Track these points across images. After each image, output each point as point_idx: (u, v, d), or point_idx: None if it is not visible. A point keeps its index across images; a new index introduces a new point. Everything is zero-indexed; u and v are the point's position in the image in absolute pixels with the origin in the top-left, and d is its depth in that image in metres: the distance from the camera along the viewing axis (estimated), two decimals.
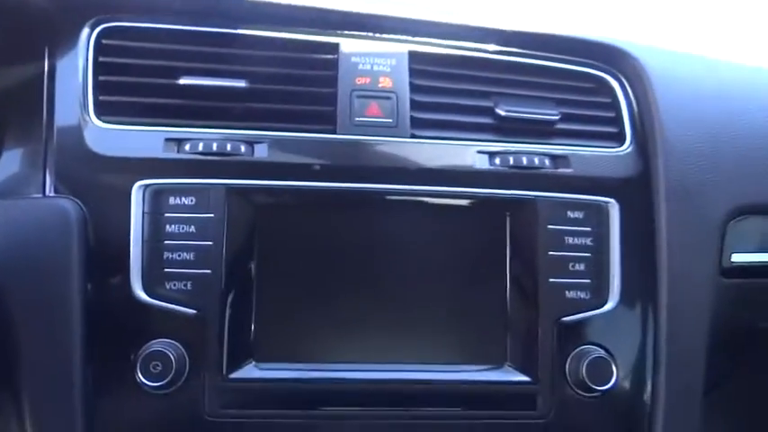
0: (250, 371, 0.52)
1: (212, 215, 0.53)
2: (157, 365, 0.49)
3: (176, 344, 0.51)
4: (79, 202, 0.52)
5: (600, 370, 0.53)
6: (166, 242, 0.52)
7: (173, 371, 0.49)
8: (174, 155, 0.54)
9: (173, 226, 0.53)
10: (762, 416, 0.80)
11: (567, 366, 0.54)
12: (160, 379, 0.49)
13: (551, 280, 0.55)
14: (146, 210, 0.52)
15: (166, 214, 0.53)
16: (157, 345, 0.50)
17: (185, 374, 0.51)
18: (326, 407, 0.52)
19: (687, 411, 0.56)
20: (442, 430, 0.54)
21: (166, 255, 0.52)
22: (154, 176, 0.53)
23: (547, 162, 0.58)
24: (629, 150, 0.60)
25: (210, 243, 0.52)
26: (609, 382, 0.53)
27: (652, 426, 0.55)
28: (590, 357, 0.53)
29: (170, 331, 0.51)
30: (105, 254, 0.52)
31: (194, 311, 0.51)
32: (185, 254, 0.52)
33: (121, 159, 0.54)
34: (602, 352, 0.54)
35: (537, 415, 0.53)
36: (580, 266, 0.56)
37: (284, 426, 0.52)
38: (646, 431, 0.55)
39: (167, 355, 0.49)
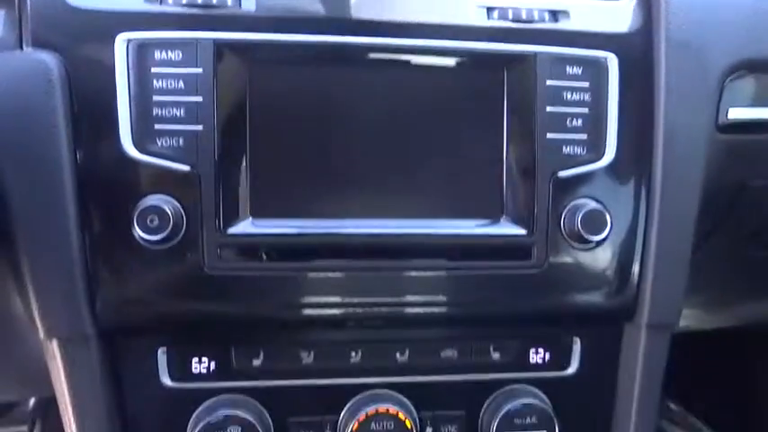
0: (247, 226, 0.52)
1: (200, 70, 0.51)
2: (154, 219, 0.49)
3: (172, 200, 0.50)
4: (60, 57, 0.50)
5: (594, 221, 0.54)
6: (155, 98, 0.51)
7: (170, 225, 0.49)
8: (156, 7, 0.52)
9: (160, 81, 0.51)
10: (739, 279, 0.83)
11: (562, 219, 0.55)
12: (158, 233, 0.49)
13: (549, 135, 0.55)
14: (131, 65, 0.50)
15: (153, 69, 0.51)
16: (153, 200, 0.50)
17: (183, 230, 0.50)
18: (323, 260, 0.53)
19: (676, 264, 0.58)
20: (438, 282, 0.55)
21: (155, 111, 0.51)
22: (137, 29, 0.51)
23: (547, 16, 0.56)
24: (630, 3, 0.58)
25: (200, 98, 0.51)
26: (603, 233, 0.54)
27: (643, 277, 0.57)
28: (585, 209, 0.54)
29: (164, 187, 0.51)
30: (92, 111, 0.51)
31: (188, 168, 0.51)
32: (175, 110, 0.51)
33: (102, 12, 0.51)
34: (597, 204, 0.55)
35: (532, 265, 0.55)
36: (578, 122, 0.55)
37: (280, 279, 0.53)
38: (636, 283, 0.57)
39: (163, 209, 0.49)
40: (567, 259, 0.55)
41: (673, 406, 1.67)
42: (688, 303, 0.90)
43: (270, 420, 0.55)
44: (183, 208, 0.50)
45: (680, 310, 0.59)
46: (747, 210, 0.67)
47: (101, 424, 0.54)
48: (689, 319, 1.02)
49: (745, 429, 1.53)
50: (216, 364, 0.55)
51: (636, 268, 0.57)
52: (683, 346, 1.51)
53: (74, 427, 0.55)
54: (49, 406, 1.26)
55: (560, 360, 0.59)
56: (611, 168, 0.56)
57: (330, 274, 0.53)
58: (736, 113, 0.60)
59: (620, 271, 0.56)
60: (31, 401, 1.25)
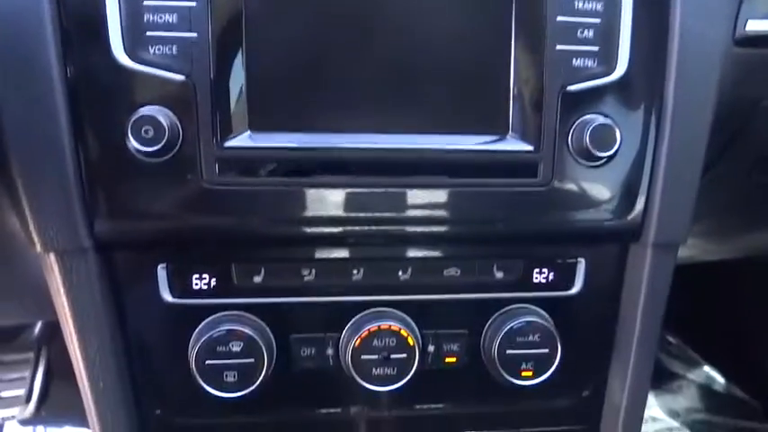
0: (245, 140, 0.50)
1: None
2: (149, 130, 0.48)
3: (167, 111, 0.48)
4: None
5: (603, 136, 0.52)
6: (145, 2, 0.48)
7: (165, 137, 0.48)
8: None
9: None
10: (741, 208, 0.82)
11: (570, 135, 0.53)
12: (153, 144, 0.48)
13: (558, 47, 0.52)
14: None
15: None
16: (147, 111, 0.48)
17: (179, 143, 0.49)
18: (323, 175, 0.52)
19: (686, 183, 0.56)
20: (441, 200, 0.53)
21: (146, 17, 0.48)
22: None
23: None
24: None
25: (193, 3, 0.48)
26: (612, 149, 0.53)
27: (651, 196, 0.56)
28: (594, 124, 0.52)
29: (159, 98, 0.49)
30: (81, 18, 0.49)
31: (182, 77, 0.49)
32: (167, 15, 0.48)
33: None
34: (606, 120, 0.53)
35: (538, 182, 0.53)
36: (589, 33, 0.53)
37: (279, 194, 0.51)
38: (644, 202, 0.56)
39: (158, 119, 0.47)
40: (574, 177, 0.54)
41: (671, 339, 1.69)
42: (691, 232, 0.90)
43: (272, 337, 0.55)
44: (178, 120, 0.49)
45: (687, 230, 0.58)
46: (757, 132, 0.65)
47: (103, 339, 0.54)
48: (690, 249, 1.01)
49: (741, 363, 1.55)
50: (217, 281, 0.54)
51: (644, 187, 0.55)
52: (683, 279, 1.52)
53: (76, 344, 0.55)
54: (54, 332, 1.28)
55: (564, 280, 0.58)
56: (623, 83, 0.54)
57: (330, 190, 0.52)
58: (755, 26, 0.57)
59: (628, 189, 0.55)
60: (37, 328, 1.27)
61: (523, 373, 0.56)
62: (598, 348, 0.60)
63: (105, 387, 0.55)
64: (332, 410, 0.58)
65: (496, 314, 0.58)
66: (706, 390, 1.60)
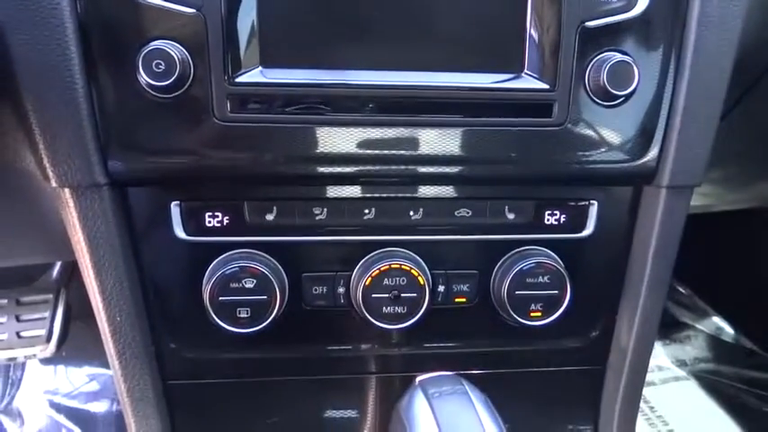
0: (256, 75, 0.50)
1: None
2: (160, 64, 0.47)
3: (178, 45, 0.48)
4: None
5: (621, 74, 0.51)
6: None
7: (176, 71, 0.47)
8: None
9: None
10: (761, 153, 0.81)
11: (587, 73, 0.52)
12: (164, 78, 0.47)
13: None
14: None
15: None
16: (158, 44, 0.48)
17: (190, 77, 0.49)
18: (334, 112, 0.51)
19: (704, 124, 0.55)
20: (453, 139, 0.53)
21: None
22: None
23: None
24: None
25: None
26: (629, 87, 0.51)
27: (668, 137, 0.55)
28: (612, 61, 0.51)
29: (169, 32, 0.48)
30: None
31: (192, 10, 0.48)
32: None
33: None
34: (625, 57, 0.52)
35: (552, 122, 0.52)
36: None
37: (290, 131, 0.51)
38: (660, 143, 0.55)
39: (169, 53, 0.47)
40: (590, 117, 0.53)
41: (682, 289, 1.69)
42: (708, 180, 0.88)
43: (284, 274, 0.55)
44: (189, 54, 0.48)
45: (703, 173, 0.57)
46: None
47: (118, 275, 0.55)
48: (707, 197, 1.00)
49: (751, 314, 1.56)
50: (229, 219, 0.55)
51: (661, 128, 0.54)
52: (695, 229, 1.51)
53: (93, 279, 0.56)
54: (72, 274, 1.30)
55: (576, 222, 0.58)
56: (643, 19, 0.52)
57: (342, 128, 0.51)
58: None
59: (645, 130, 0.54)
60: (55, 270, 1.29)
61: (532, 314, 0.57)
62: (607, 291, 0.61)
63: (122, 322, 0.56)
64: (342, 348, 0.59)
65: (507, 255, 0.58)
66: (714, 340, 1.61)
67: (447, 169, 0.54)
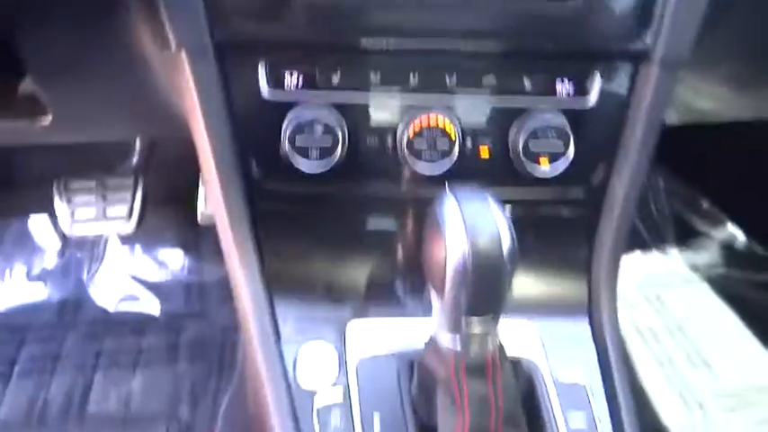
0: None
1: None
2: None
3: None
4: None
5: None
6: None
7: None
8: None
9: None
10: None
11: None
12: None
13: None
14: None
15: None
16: None
17: None
18: None
19: (693, 5, 0.65)
20: (482, 17, 0.64)
21: None
22: None
23: None
24: None
25: None
26: None
27: (663, 16, 0.65)
28: None
29: None
30: None
31: None
32: None
33: None
34: None
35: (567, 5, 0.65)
36: None
37: (352, 7, 0.63)
38: (656, 22, 0.66)
39: None
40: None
41: (700, 200, 1.78)
42: (715, 78, 0.97)
43: (345, 126, 0.70)
44: None
45: (690, 48, 0.68)
46: None
47: (220, 123, 0.69)
48: (720, 100, 1.08)
49: (763, 221, 1.65)
50: (303, 78, 0.69)
51: (658, 8, 0.65)
52: (714, 141, 1.61)
53: (203, 129, 0.69)
54: (149, 162, 1.47)
55: (582, 90, 0.70)
56: None
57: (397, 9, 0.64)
58: None
59: (644, 10, 0.65)
60: (134, 159, 1.47)
61: (541, 164, 0.71)
62: (604, 149, 0.72)
63: (225, 161, 0.70)
64: (388, 185, 0.74)
65: (522, 116, 0.71)
66: (728, 246, 1.72)
67: (477, 43, 0.67)
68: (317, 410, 0.67)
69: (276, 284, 0.73)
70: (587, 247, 0.76)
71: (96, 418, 1.30)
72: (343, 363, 0.70)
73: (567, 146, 0.70)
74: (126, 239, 1.57)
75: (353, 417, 0.66)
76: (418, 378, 0.66)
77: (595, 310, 0.74)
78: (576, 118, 0.70)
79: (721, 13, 0.68)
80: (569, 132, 0.69)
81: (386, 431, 0.66)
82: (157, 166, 1.45)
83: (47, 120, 0.87)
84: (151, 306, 1.53)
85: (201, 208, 1.38)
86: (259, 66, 0.68)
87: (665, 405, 1.42)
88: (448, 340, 0.60)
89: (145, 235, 1.56)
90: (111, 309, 1.53)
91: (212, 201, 0.76)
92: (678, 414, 1.40)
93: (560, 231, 0.75)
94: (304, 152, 0.68)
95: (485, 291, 0.57)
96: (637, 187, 0.73)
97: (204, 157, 0.72)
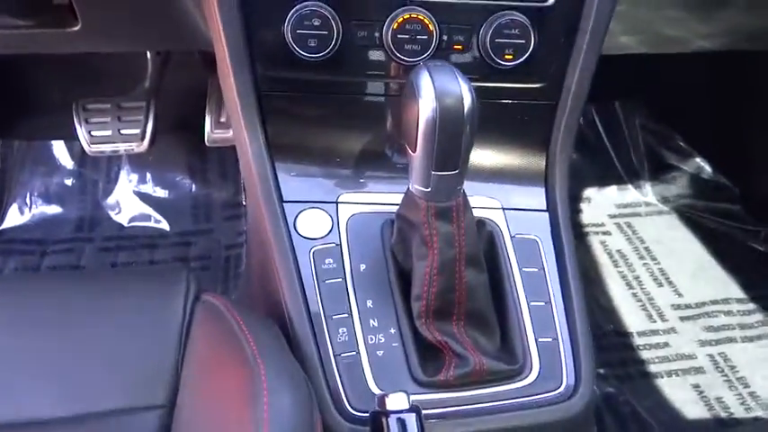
0: None
1: None
2: None
3: None
4: None
5: None
6: None
7: None
8: None
9: None
10: None
11: None
12: None
13: None
14: None
15: None
16: None
17: None
18: None
19: None
20: None
21: None
22: None
23: None
24: None
25: None
26: None
27: None
28: None
29: None
30: None
31: None
32: None
33: None
34: None
35: None
36: None
37: None
38: None
39: None
40: None
41: (678, 140, 1.91)
42: (675, 3, 1.09)
43: (339, 21, 0.81)
44: None
45: None
46: None
47: (233, 18, 0.80)
48: (681, 28, 1.19)
49: (727, 152, 1.78)
50: None
51: None
52: (684, 76, 1.73)
53: (224, 45, 0.80)
54: (159, 88, 1.59)
55: None
56: None
57: None
58: None
59: None
60: (147, 82, 1.58)
61: (506, 56, 0.83)
62: (560, 45, 0.84)
63: (237, 54, 0.81)
64: (374, 73, 0.86)
65: (491, 15, 0.83)
66: (695, 178, 1.85)
67: None
68: (313, 252, 0.81)
69: (278, 154, 0.86)
70: (545, 129, 0.89)
71: None
72: (335, 222, 0.84)
73: (528, 42, 0.82)
74: (138, 163, 1.69)
75: (344, 259, 0.80)
76: (396, 227, 0.80)
77: (551, 179, 0.88)
78: (537, 17, 0.83)
79: None
80: (530, 29, 0.82)
81: (370, 271, 0.80)
82: (166, 95, 1.57)
83: (76, 27, 0.98)
84: (162, 223, 1.66)
85: (208, 130, 1.50)
86: None
87: (628, 315, 1.57)
88: (421, 191, 0.74)
89: (155, 158, 1.69)
90: (124, 225, 1.66)
91: (225, 89, 0.89)
92: (640, 322, 1.55)
93: (523, 115, 0.88)
94: (304, 41, 0.81)
95: (449, 144, 0.70)
96: (588, 77, 0.86)
97: (219, 50, 0.84)
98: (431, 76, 0.69)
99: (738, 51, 1.32)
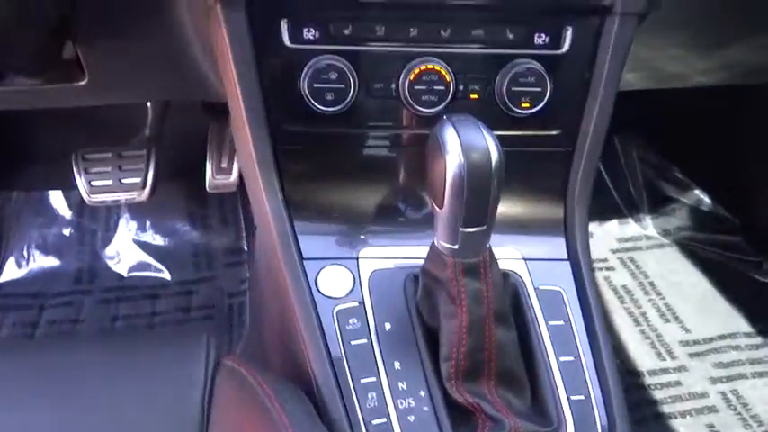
0: None
1: None
2: None
3: None
4: None
5: None
6: None
7: None
8: None
9: None
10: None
11: None
12: None
13: None
14: None
15: None
16: None
17: None
18: None
19: None
20: None
21: None
22: None
23: None
24: None
25: None
26: None
27: None
28: None
29: None
30: None
31: None
32: None
33: None
34: None
35: None
36: None
37: None
38: None
39: None
40: None
41: (676, 172, 1.92)
42: (675, 42, 1.10)
43: (356, 73, 0.81)
44: None
45: (644, 2, 0.82)
46: None
47: (249, 69, 0.80)
48: (681, 63, 1.21)
49: (726, 185, 1.79)
50: (320, 33, 0.79)
51: None
52: (684, 109, 1.74)
53: (235, 76, 0.79)
54: (160, 136, 1.58)
55: (556, 42, 0.82)
56: None
57: None
58: None
59: None
60: (147, 131, 1.57)
61: (523, 105, 0.83)
62: (576, 93, 0.85)
63: (252, 108, 0.81)
64: (391, 124, 0.86)
65: (507, 64, 0.83)
66: (695, 210, 1.86)
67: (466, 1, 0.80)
68: (337, 312, 0.79)
69: (296, 210, 0.85)
70: (563, 176, 0.89)
71: None
72: (357, 278, 0.82)
73: (544, 90, 0.82)
74: (137, 211, 1.67)
75: (368, 318, 0.79)
76: (422, 283, 0.78)
77: (570, 227, 0.87)
78: (552, 65, 0.83)
79: None
80: (546, 77, 0.82)
81: (396, 330, 0.78)
82: (166, 141, 1.56)
83: (83, 81, 0.97)
84: (162, 273, 1.64)
85: (209, 175, 1.49)
86: (281, 22, 0.80)
87: (637, 353, 1.56)
88: (448, 248, 0.73)
89: (155, 206, 1.66)
90: (124, 275, 1.63)
91: (239, 144, 0.88)
92: (650, 360, 1.54)
93: (539, 164, 0.88)
94: (321, 95, 0.80)
95: (477, 200, 0.69)
96: (604, 125, 0.86)
97: (234, 104, 0.83)
98: (456, 131, 0.68)
99: (735, 85, 1.34)
